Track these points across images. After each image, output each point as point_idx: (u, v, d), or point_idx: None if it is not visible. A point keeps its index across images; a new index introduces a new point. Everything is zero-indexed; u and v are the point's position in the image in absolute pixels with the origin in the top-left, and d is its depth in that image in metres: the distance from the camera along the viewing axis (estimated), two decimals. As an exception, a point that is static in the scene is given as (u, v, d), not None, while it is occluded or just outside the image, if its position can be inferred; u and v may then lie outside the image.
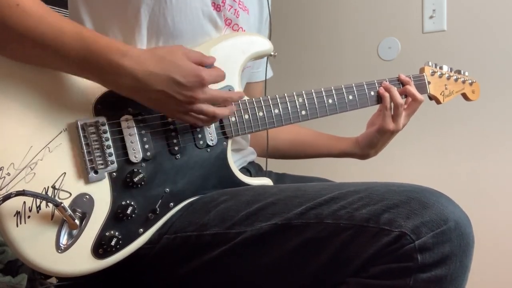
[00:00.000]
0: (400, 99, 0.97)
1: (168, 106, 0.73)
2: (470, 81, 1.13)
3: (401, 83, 1.01)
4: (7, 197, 0.65)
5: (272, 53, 0.91)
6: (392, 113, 0.98)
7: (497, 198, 1.74)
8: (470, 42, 1.76)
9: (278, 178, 1.03)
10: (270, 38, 0.95)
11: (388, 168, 1.78)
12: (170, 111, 0.74)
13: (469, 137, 1.78)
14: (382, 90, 0.98)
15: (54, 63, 0.70)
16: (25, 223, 0.68)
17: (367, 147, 1.04)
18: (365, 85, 0.97)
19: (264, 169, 1.02)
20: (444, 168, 1.82)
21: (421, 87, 1.04)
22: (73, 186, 0.71)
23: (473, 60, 1.73)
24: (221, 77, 0.78)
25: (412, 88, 0.99)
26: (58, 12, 0.70)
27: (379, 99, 0.99)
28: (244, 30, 0.91)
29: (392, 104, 0.97)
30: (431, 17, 1.81)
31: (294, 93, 0.90)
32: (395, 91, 0.97)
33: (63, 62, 0.69)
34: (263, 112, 0.86)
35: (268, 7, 1.00)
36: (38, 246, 0.69)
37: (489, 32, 1.74)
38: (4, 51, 0.69)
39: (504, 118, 1.73)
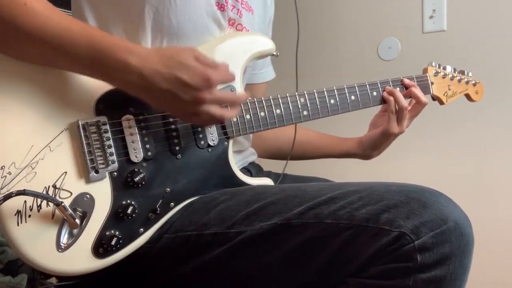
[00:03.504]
0: (404, 102, 0.98)
1: (174, 107, 0.72)
2: (473, 82, 1.13)
3: (405, 87, 1.01)
4: (8, 196, 0.65)
5: (274, 53, 0.91)
6: (397, 116, 0.98)
7: (497, 198, 1.74)
8: (470, 42, 1.76)
9: (278, 178, 1.03)
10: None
11: (388, 168, 1.78)
12: (176, 111, 0.74)
13: (469, 137, 1.78)
14: (386, 94, 0.98)
15: (63, 63, 0.70)
16: (25, 222, 0.68)
17: (370, 149, 1.04)
18: (367, 86, 0.97)
19: (265, 169, 1.02)
20: (444, 168, 1.82)
21: (424, 88, 1.04)
22: (74, 186, 0.72)
23: (473, 60, 1.73)
24: (230, 77, 0.76)
25: (417, 91, 1.00)
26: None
27: (382, 100, 0.99)
28: (248, 30, 0.91)
29: (396, 107, 0.97)
30: (431, 17, 1.82)
31: (296, 93, 0.89)
32: (399, 94, 0.98)
33: (72, 61, 0.69)
34: (265, 112, 0.86)
35: (273, 7, 1.00)
36: (39, 245, 0.69)
37: (489, 32, 1.74)
38: (12, 51, 0.69)
39: (504, 118, 1.73)
